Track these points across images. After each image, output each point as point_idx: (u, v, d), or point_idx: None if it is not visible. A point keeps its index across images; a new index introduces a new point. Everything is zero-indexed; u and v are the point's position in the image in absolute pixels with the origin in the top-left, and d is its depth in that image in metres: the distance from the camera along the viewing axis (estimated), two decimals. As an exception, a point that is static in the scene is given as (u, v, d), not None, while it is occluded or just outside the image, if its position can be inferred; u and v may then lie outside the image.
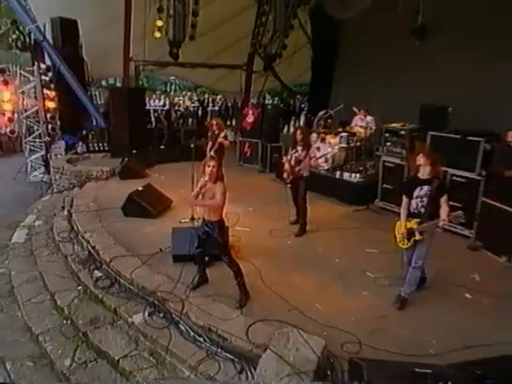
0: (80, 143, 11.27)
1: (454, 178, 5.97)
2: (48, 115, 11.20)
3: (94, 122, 11.87)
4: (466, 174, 5.85)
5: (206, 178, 4.16)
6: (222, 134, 7.38)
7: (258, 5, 12.86)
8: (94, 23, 11.69)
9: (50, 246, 6.16)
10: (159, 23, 10.89)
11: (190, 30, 11.04)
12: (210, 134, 7.67)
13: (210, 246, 4.48)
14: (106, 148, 11.19)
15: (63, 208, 7.39)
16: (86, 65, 12.27)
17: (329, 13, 11.07)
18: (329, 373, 3.22)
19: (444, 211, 3.85)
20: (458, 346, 3.54)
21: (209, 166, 4.15)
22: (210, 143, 7.54)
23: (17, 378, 3.87)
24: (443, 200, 3.90)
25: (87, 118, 11.92)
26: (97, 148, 11.18)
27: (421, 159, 3.97)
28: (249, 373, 3.40)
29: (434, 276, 4.79)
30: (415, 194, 4.04)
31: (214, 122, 7.66)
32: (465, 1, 7.97)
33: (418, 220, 4.02)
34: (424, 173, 4.01)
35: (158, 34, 11.10)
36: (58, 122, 11.45)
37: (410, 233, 4.08)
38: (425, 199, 3.99)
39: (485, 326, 3.90)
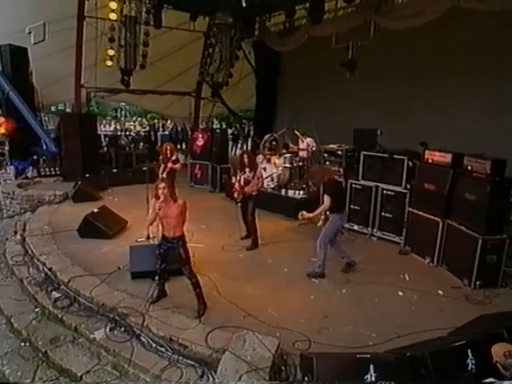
0: (30, 168, 11.05)
1: (385, 191, 6.78)
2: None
3: (44, 147, 11.76)
4: (394, 188, 6.67)
5: (162, 199, 4.46)
6: (173, 158, 7.78)
7: (205, 38, 13.61)
8: (45, 51, 11.78)
9: (3, 271, 6.11)
10: (111, 52, 11.16)
11: (141, 59, 11.42)
12: (161, 157, 8.03)
13: (169, 262, 4.78)
14: (58, 172, 11.08)
15: (15, 232, 7.30)
16: (36, 91, 12.21)
17: (270, 46, 12.01)
18: (283, 368, 3.61)
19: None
20: (393, 336, 4.09)
21: (160, 188, 4.45)
22: (162, 166, 7.88)
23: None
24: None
25: (37, 143, 11.79)
26: (48, 173, 11.02)
27: None
28: (210, 376, 3.70)
29: (372, 278, 5.46)
30: None
31: (168, 148, 8.03)
32: (386, 39, 9.19)
33: None
34: None
35: (109, 63, 11.35)
36: (7, 148, 11.20)
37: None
38: None
39: (412, 316, 4.53)
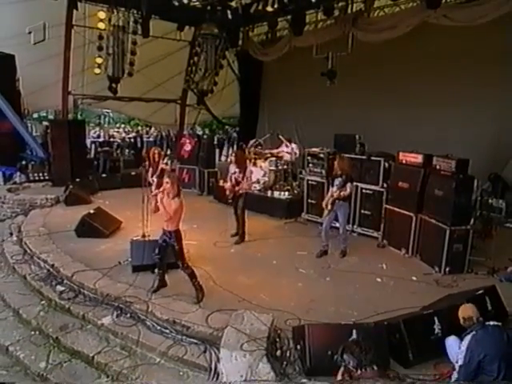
0: (18, 173, 11.20)
1: (364, 190, 7.38)
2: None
3: (29, 152, 11.94)
4: (372, 187, 7.27)
5: (163, 191, 4.94)
6: (165, 161, 8.17)
7: (191, 46, 14.08)
8: (31, 58, 11.99)
9: (3, 269, 6.35)
10: (99, 60, 11.44)
11: (129, 67, 11.74)
12: (151, 161, 8.35)
13: (166, 256, 5.20)
14: (46, 177, 11.26)
15: (11, 234, 7.52)
16: (22, 97, 12.40)
17: (253, 55, 12.60)
18: (277, 340, 4.09)
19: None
20: (372, 313, 4.61)
21: (167, 182, 4.94)
22: (151, 169, 8.23)
23: (-9, 386, 4.18)
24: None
25: (23, 149, 11.98)
26: (37, 178, 11.19)
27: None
28: (212, 351, 4.13)
29: (353, 268, 6.04)
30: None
31: (156, 152, 8.39)
32: (364, 50, 9.91)
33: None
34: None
35: (97, 71, 11.61)
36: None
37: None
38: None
39: (389, 298, 5.08)
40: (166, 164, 8.25)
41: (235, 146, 15.91)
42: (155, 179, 7.73)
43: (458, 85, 9.50)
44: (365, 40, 9.84)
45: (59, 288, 5.46)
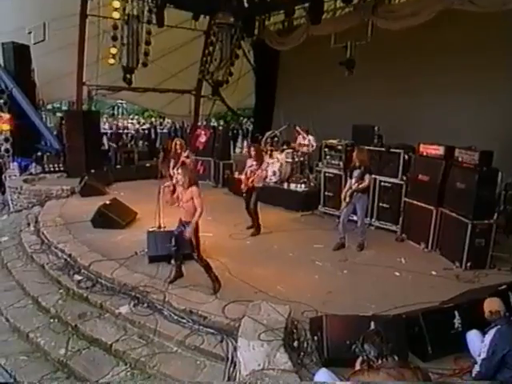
0: (33, 164, 11.33)
1: (382, 183, 7.25)
2: (1, 137, 11.24)
3: (44, 144, 12.06)
4: (391, 179, 7.14)
5: (178, 184, 4.98)
6: (185, 154, 8.15)
7: (206, 36, 13.95)
8: (45, 49, 12.05)
9: (22, 258, 6.43)
10: (113, 51, 11.37)
11: (143, 57, 11.68)
12: (171, 153, 8.36)
13: (182, 247, 5.19)
14: (61, 168, 11.36)
15: (28, 224, 7.62)
16: (37, 88, 12.50)
17: (269, 45, 12.42)
18: (294, 331, 4.06)
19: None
20: (389, 307, 4.53)
21: (179, 173, 4.98)
22: (172, 161, 8.21)
23: (13, 371, 4.23)
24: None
25: (38, 140, 12.11)
26: (52, 169, 11.29)
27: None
28: (228, 341, 4.11)
29: (371, 261, 5.95)
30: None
31: (178, 143, 8.38)
32: (384, 38, 9.65)
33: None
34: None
35: (112, 61, 11.52)
36: (9, 146, 11.50)
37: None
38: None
39: (408, 293, 4.96)
40: (187, 157, 8.24)
41: (249, 138, 15.85)
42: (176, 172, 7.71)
43: (483, 75, 9.13)
44: (385, 28, 9.54)
45: (77, 277, 5.52)
